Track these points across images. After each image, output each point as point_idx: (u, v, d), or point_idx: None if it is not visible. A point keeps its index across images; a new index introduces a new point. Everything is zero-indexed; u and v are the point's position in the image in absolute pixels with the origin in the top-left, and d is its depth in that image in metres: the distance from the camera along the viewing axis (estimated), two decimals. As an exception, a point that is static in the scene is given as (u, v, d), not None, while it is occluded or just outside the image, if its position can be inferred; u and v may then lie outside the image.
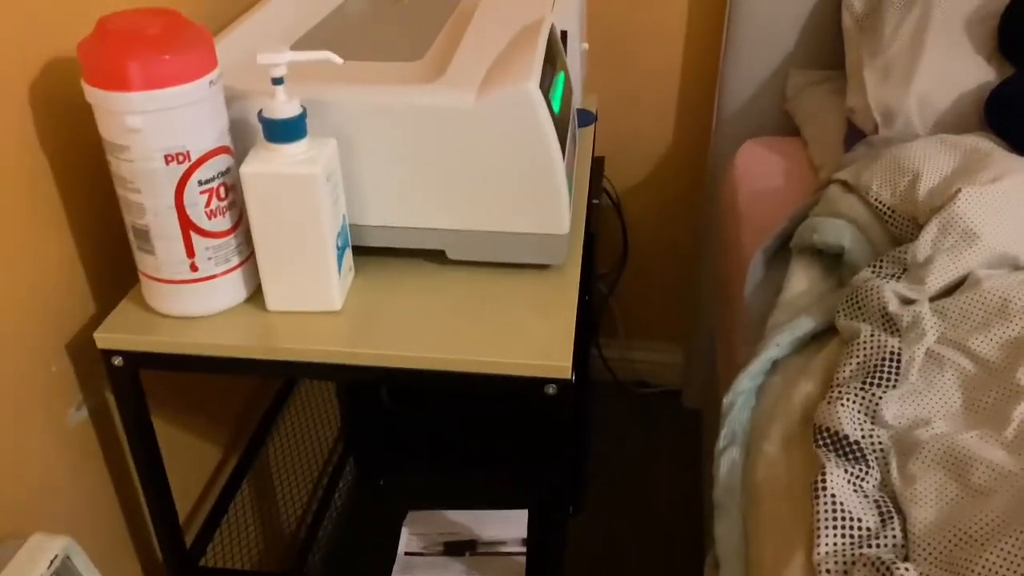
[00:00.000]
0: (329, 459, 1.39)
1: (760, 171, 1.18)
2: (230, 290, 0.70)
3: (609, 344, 1.68)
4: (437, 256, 0.76)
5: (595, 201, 1.25)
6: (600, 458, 1.56)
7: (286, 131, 0.63)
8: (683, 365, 1.66)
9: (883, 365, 0.72)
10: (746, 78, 1.32)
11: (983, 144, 0.89)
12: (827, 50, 1.26)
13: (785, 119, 1.31)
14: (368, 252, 0.76)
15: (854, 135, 1.08)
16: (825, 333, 0.82)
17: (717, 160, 1.40)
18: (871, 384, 0.71)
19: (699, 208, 1.53)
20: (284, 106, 0.63)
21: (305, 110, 0.64)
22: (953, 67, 1.00)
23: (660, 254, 1.59)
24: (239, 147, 0.68)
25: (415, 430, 1.47)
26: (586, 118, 0.91)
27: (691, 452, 1.56)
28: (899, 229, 0.86)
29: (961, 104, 0.99)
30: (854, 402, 0.70)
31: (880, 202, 0.87)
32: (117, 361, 0.69)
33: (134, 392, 0.72)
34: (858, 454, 0.66)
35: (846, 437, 0.67)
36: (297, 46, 0.81)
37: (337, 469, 1.37)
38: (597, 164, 1.36)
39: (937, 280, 0.77)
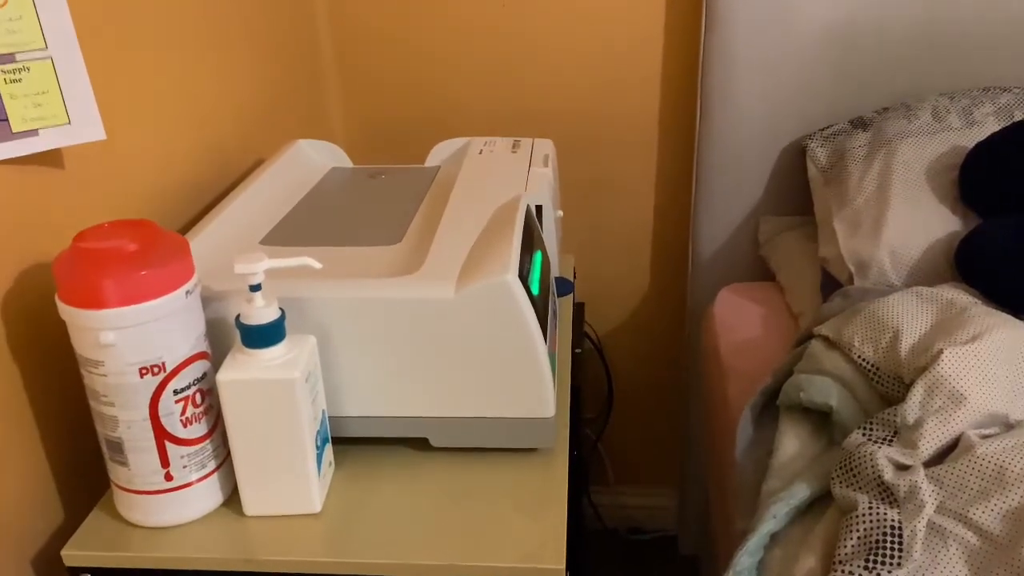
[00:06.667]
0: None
1: (740, 321, 1.18)
2: (206, 496, 0.67)
3: (600, 491, 1.64)
4: (420, 441, 0.75)
5: (578, 350, 1.25)
6: (597, 614, 1.49)
7: (264, 336, 0.62)
8: (677, 509, 1.62)
9: (884, 540, 0.70)
10: (719, 225, 1.34)
11: (959, 297, 0.90)
12: (796, 197, 1.30)
13: (760, 263, 1.33)
14: (349, 440, 0.74)
15: (830, 283, 1.10)
16: (821, 499, 0.80)
17: (696, 304, 1.41)
18: (874, 562, 0.69)
19: (681, 350, 1.53)
20: (262, 311, 0.62)
21: (283, 313, 0.64)
22: (920, 218, 1.03)
23: (646, 396, 1.57)
24: (216, 348, 0.67)
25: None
26: (564, 287, 0.91)
27: (691, 603, 1.50)
28: (885, 387, 0.85)
29: (932, 254, 1.00)
30: (859, 583, 0.67)
31: (864, 359, 0.87)
32: (86, 579, 0.65)
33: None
34: (869, 645, 0.63)
35: (855, 626, 0.64)
36: (275, 232, 0.81)
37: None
38: (578, 311, 1.36)
39: (929, 445, 0.76)
